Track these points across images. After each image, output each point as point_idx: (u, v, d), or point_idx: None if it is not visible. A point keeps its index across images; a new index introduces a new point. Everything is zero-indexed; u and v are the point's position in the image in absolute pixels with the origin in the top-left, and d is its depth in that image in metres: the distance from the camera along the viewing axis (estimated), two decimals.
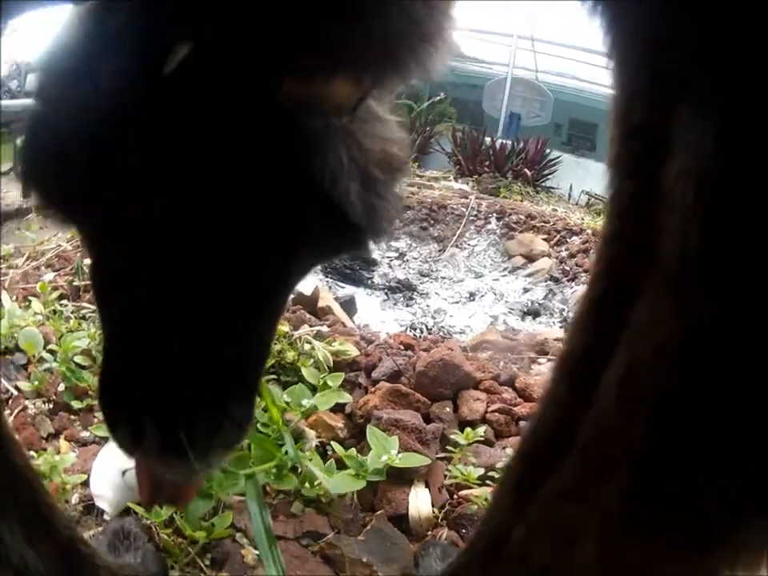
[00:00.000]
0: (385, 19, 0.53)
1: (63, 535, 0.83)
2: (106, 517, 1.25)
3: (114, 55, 0.55)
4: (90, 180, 0.59)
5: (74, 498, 1.27)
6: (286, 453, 1.26)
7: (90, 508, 1.26)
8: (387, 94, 0.69)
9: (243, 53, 0.52)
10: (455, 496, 1.37)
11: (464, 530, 1.28)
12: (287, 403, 1.47)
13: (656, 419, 0.49)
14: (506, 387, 1.79)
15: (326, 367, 1.66)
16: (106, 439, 1.39)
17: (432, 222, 4.94)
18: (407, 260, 4.34)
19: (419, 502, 1.31)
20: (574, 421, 0.60)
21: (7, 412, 1.50)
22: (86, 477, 1.30)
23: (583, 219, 5.90)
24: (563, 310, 3.42)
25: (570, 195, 9.26)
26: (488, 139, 9.01)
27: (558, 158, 9.40)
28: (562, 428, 0.63)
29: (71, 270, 2.32)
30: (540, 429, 0.69)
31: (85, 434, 1.48)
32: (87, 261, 2.30)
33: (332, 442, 1.42)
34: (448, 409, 1.62)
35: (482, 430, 1.50)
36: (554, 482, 0.60)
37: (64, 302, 2.05)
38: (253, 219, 0.59)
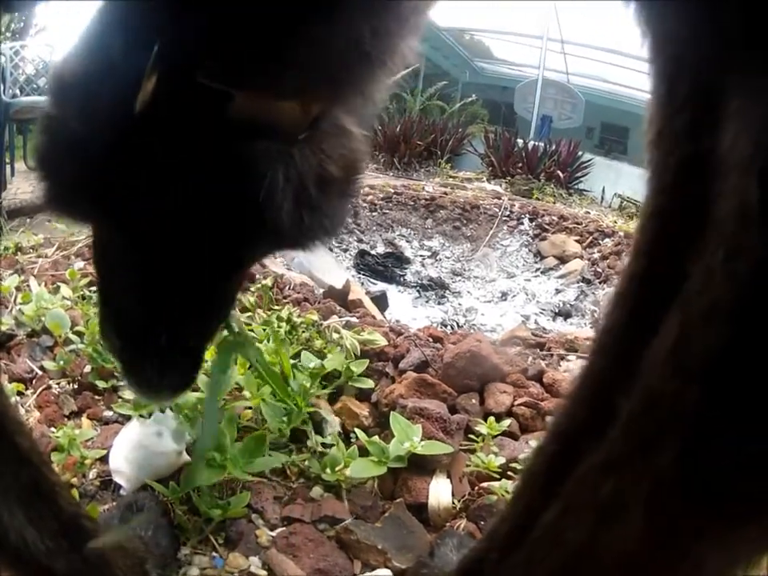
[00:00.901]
0: (330, 43, 0.57)
1: (66, 512, 0.83)
2: (122, 492, 1.25)
3: (110, 67, 0.62)
4: (94, 179, 0.68)
5: (92, 473, 1.28)
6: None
7: (107, 483, 1.26)
8: (361, 104, 0.74)
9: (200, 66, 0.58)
10: (476, 487, 1.35)
11: (482, 522, 1.25)
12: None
13: (711, 380, 0.48)
14: (533, 382, 1.76)
15: (353, 355, 1.64)
16: (128, 418, 1.39)
17: (465, 221, 4.94)
18: (440, 259, 4.33)
19: (440, 491, 1.29)
20: (613, 396, 0.58)
21: (30, 391, 1.52)
22: (105, 452, 1.30)
23: (616, 222, 5.86)
24: (594, 311, 3.38)
25: (602, 198, 9.21)
26: (520, 141, 9.01)
27: (590, 160, 9.37)
28: (600, 404, 0.61)
29: None
30: (577, 407, 0.67)
31: (108, 413, 1.48)
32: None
33: (356, 429, 1.40)
34: (474, 400, 1.59)
35: (507, 422, 1.48)
36: (594, 458, 0.58)
37: (93, 288, 2.05)
38: (207, 221, 0.70)
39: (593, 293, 3.75)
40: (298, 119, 0.65)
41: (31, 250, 2.54)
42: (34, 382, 1.56)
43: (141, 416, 1.36)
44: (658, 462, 0.51)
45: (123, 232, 0.74)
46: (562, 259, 4.37)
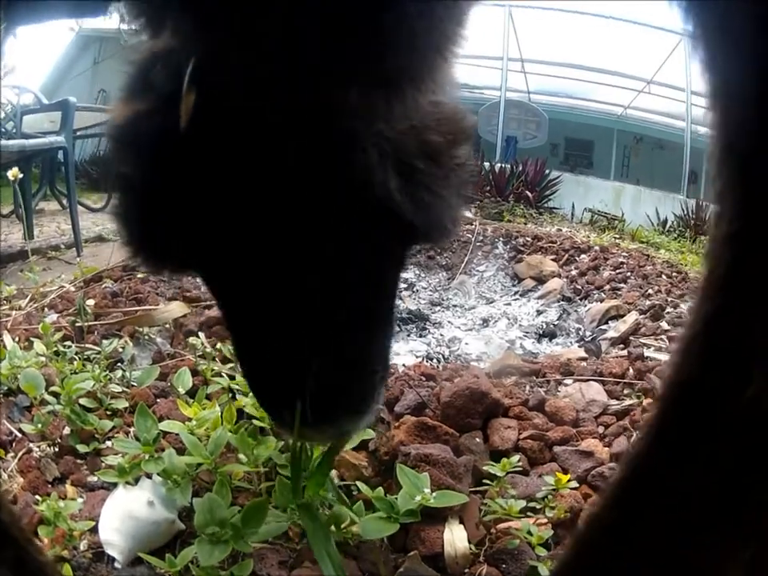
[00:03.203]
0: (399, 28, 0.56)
1: None
2: (116, 565, 1.18)
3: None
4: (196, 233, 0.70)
5: (83, 545, 1.21)
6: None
7: (99, 555, 1.21)
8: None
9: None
10: (493, 530, 1.29)
11: (504, 565, 1.20)
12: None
13: None
14: (535, 412, 1.72)
15: None
16: (114, 485, 1.34)
17: (438, 250, 4.89)
18: (417, 290, 4.28)
19: (455, 539, 1.23)
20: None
21: (11, 455, 1.45)
22: (93, 523, 1.23)
23: (589, 237, 5.88)
24: (579, 329, 3.35)
25: (572, 214, 9.29)
26: (486, 164, 9.05)
27: (557, 177, 9.45)
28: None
29: (74, 310, 2.26)
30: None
31: (92, 479, 1.41)
32: (90, 302, 2.25)
33: (357, 482, 1.33)
34: (478, 439, 1.54)
35: (516, 458, 1.41)
36: None
37: (67, 343, 1.98)
38: (316, 221, 0.69)
39: (575, 310, 3.72)
40: (376, 104, 0.63)
41: (5, 302, 2.47)
42: (14, 445, 1.49)
43: (127, 483, 1.29)
44: None
45: (239, 273, 0.75)
46: (540, 279, 4.34)
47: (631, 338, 2.79)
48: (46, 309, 2.40)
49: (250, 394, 1.51)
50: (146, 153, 0.68)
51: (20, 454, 1.44)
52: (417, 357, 2.75)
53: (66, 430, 1.53)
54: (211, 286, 0.86)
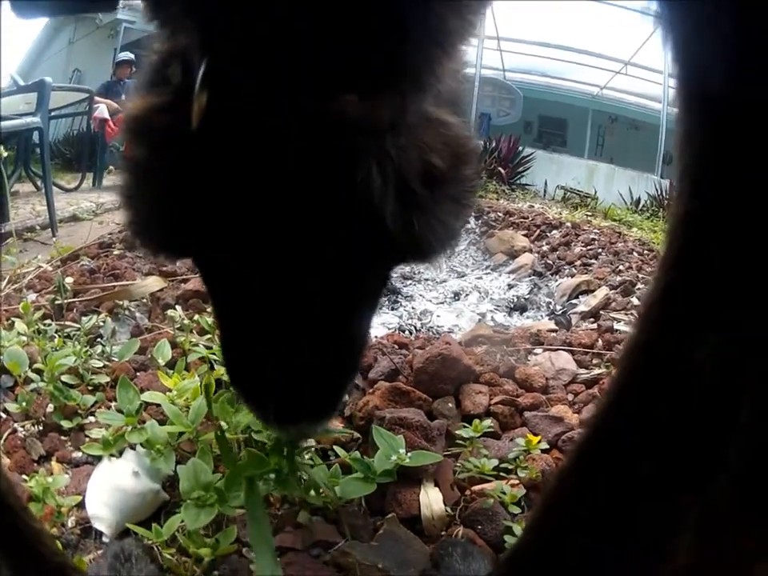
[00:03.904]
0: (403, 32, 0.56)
1: (51, 562, 0.79)
2: (104, 539, 1.20)
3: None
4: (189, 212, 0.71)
5: (71, 521, 1.22)
6: (284, 456, 1.22)
7: (87, 530, 1.21)
8: (443, 91, 0.72)
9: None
10: (467, 492, 1.33)
11: (480, 527, 1.23)
12: None
13: None
14: (506, 379, 1.76)
15: None
16: (98, 459, 1.35)
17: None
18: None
19: (431, 501, 1.27)
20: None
21: None
22: (80, 498, 1.25)
23: (561, 213, 5.92)
24: (549, 303, 3.39)
25: (545, 191, 9.32)
26: None
27: (530, 154, 9.47)
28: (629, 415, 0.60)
29: (53, 289, 2.27)
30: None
31: (77, 455, 1.43)
32: (68, 279, 2.26)
33: (334, 447, 1.36)
34: (450, 404, 1.58)
35: (487, 422, 1.46)
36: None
37: (47, 321, 1.99)
38: (309, 232, 0.69)
39: (546, 285, 3.76)
40: (380, 114, 0.63)
41: None
42: None
43: (111, 455, 1.32)
44: None
45: (231, 264, 0.76)
46: (512, 254, 4.36)
47: (601, 312, 2.83)
48: (24, 289, 2.39)
49: None
50: (158, 144, 0.70)
51: (5, 434, 1.45)
52: (389, 329, 2.78)
53: (50, 408, 1.55)
54: (205, 276, 0.88)
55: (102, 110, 7.91)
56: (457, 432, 1.43)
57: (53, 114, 6.43)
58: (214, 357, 1.61)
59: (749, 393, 0.52)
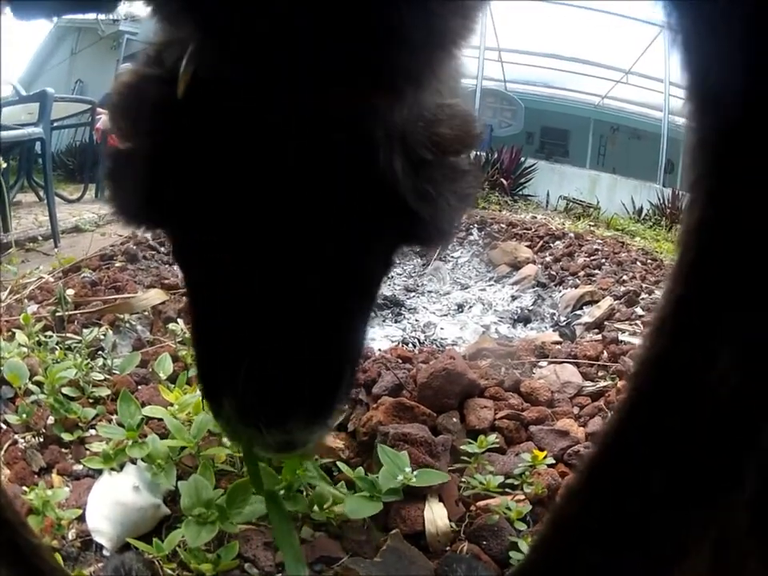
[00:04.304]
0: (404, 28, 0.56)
1: None
2: (105, 552, 1.19)
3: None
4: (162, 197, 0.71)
5: (71, 534, 1.21)
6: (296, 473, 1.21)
7: (88, 543, 1.21)
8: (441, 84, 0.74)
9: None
10: (472, 507, 1.31)
11: (485, 542, 1.22)
12: None
13: None
14: (511, 393, 1.75)
15: None
16: (99, 472, 1.34)
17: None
18: (392, 276, 4.29)
19: (435, 516, 1.25)
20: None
21: None
22: (81, 511, 1.24)
23: (564, 224, 5.92)
24: (553, 314, 3.38)
25: (547, 202, 9.33)
26: None
27: (533, 165, 9.48)
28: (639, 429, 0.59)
29: (54, 300, 2.26)
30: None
31: (77, 467, 1.42)
32: (70, 291, 2.25)
33: (337, 463, 1.35)
34: (455, 419, 1.57)
35: (493, 437, 1.44)
36: None
37: (48, 333, 1.99)
38: (320, 214, 0.68)
39: (549, 296, 3.75)
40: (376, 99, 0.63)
41: None
42: None
43: (112, 469, 1.31)
44: None
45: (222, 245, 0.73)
46: (515, 266, 4.35)
47: (606, 323, 2.82)
48: (25, 300, 2.38)
49: None
50: (146, 115, 0.70)
51: (5, 445, 1.44)
52: (392, 342, 2.77)
53: (50, 420, 1.54)
54: (183, 258, 0.84)
55: (105, 121, 7.92)
56: (461, 447, 1.42)
57: (55, 124, 6.45)
58: None
59: (765, 407, 0.51)
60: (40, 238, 4.14)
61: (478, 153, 9.07)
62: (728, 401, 0.52)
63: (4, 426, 1.51)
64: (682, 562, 0.56)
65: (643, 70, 14.31)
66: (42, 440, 1.50)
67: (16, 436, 1.49)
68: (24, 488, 1.29)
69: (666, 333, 0.57)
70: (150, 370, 1.76)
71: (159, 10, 0.65)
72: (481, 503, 1.32)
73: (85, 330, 1.97)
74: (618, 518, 0.60)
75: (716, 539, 0.55)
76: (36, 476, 1.39)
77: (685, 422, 0.55)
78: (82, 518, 1.24)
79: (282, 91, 0.59)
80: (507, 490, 1.33)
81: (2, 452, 1.41)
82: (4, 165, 2.78)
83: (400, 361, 1.94)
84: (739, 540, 0.54)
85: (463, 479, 1.37)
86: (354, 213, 0.70)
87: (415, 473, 1.23)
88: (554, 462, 1.43)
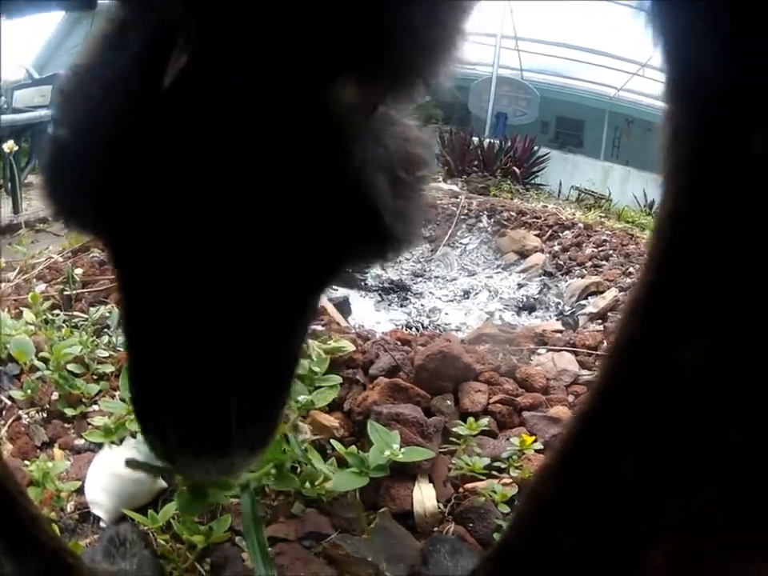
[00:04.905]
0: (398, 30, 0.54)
1: (47, 547, 0.81)
2: (102, 524, 1.22)
3: (123, 70, 0.59)
4: (106, 194, 0.62)
5: (70, 506, 1.25)
6: (284, 452, 1.23)
7: (85, 516, 1.24)
8: (403, 100, 0.69)
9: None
10: (460, 489, 1.34)
11: (471, 524, 1.25)
12: None
13: None
14: (506, 378, 1.77)
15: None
16: (100, 446, 1.37)
17: (423, 222, 4.90)
18: (399, 260, 4.30)
19: (424, 497, 1.28)
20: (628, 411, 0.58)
21: (1, 422, 1.48)
22: (80, 484, 1.27)
23: (574, 214, 5.89)
24: (559, 303, 3.39)
25: (559, 191, 9.29)
26: (475, 139, 9.03)
27: (546, 155, 9.43)
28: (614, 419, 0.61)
29: (62, 280, 2.30)
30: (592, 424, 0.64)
31: (79, 442, 1.45)
32: (78, 270, 2.29)
33: (331, 441, 1.37)
34: (449, 402, 1.59)
35: (484, 421, 1.46)
36: None
37: (56, 311, 2.02)
38: (278, 220, 0.61)
39: (555, 285, 3.76)
40: (364, 100, 0.60)
41: None
42: (3, 413, 1.53)
43: (112, 443, 1.33)
44: None
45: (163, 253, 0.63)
46: (523, 254, 4.35)
47: (609, 314, 2.83)
48: (34, 280, 2.42)
49: None
50: (117, 101, 0.61)
51: (9, 421, 1.48)
52: (396, 326, 2.80)
53: (55, 396, 1.57)
54: (117, 259, 0.72)
55: None
56: (453, 429, 1.44)
57: None
58: None
59: (735, 396, 0.52)
60: (50, 218, 4.15)
61: (492, 140, 9.06)
62: (693, 388, 0.53)
63: (8, 402, 1.55)
64: (654, 547, 0.57)
65: (659, 64, 14.15)
66: (45, 415, 1.54)
67: (20, 411, 1.52)
68: (26, 462, 1.33)
69: (639, 317, 0.58)
70: None
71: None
72: (468, 485, 1.34)
73: (91, 309, 2.01)
74: (592, 501, 0.61)
75: (689, 527, 0.55)
76: (38, 450, 1.42)
77: (657, 407, 0.56)
78: (80, 491, 1.27)
79: (282, 91, 0.57)
80: (494, 473, 1.35)
81: (6, 427, 1.45)
82: (16, 147, 2.80)
83: (399, 343, 1.95)
84: (708, 519, 0.55)
85: (453, 461, 1.40)
86: (336, 220, 0.64)
87: (403, 450, 1.24)
88: (542, 447, 1.44)
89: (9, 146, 2.74)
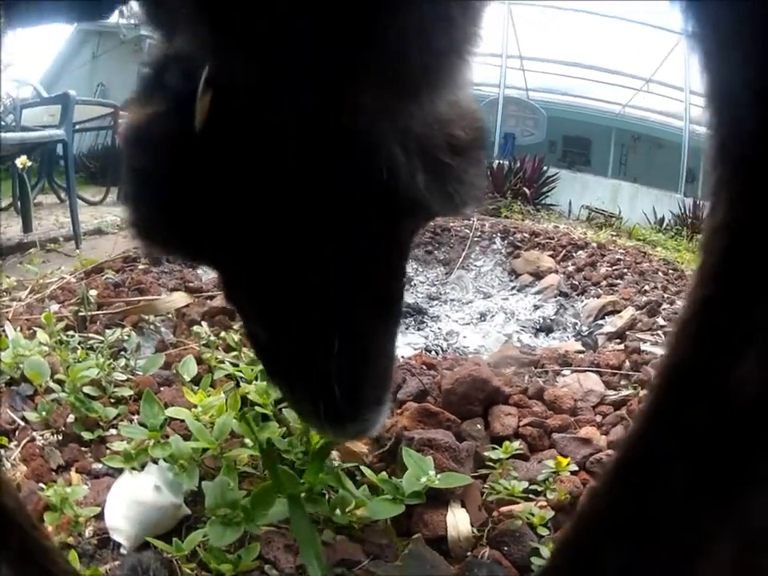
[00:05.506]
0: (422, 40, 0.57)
1: None
2: (122, 551, 1.18)
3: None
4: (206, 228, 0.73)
5: (88, 531, 1.21)
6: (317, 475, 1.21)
7: (105, 541, 1.20)
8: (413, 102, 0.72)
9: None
10: (495, 513, 1.31)
11: (506, 548, 1.21)
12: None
13: None
14: (535, 401, 1.75)
15: None
16: (119, 471, 1.34)
17: (437, 245, 4.91)
18: (414, 284, 4.29)
19: (458, 522, 1.25)
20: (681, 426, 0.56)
21: (14, 443, 1.45)
22: (99, 510, 1.23)
23: (586, 233, 5.90)
24: (576, 324, 3.36)
25: (570, 211, 9.31)
26: None
27: (555, 174, 9.46)
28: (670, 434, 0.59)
29: (76, 300, 2.27)
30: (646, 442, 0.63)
31: (97, 466, 1.41)
32: (92, 292, 2.26)
33: (361, 467, 1.34)
34: (479, 426, 1.56)
35: (516, 444, 1.44)
36: None
37: (70, 332, 1.99)
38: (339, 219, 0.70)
39: (572, 305, 3.73)
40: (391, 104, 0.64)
41: (4, 293, 2.47)
42: (17, 433, 1.49)
43: (133, 468, 1.30)
44: None
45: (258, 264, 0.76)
46: (537, 275, 4.34)
47: (627, 332, 2.80)
48: (47, 300, 2.40)
49: (254, 381, 1.53)
50: (160, 151, 0.72)
51: (23, 442, 1.44)
52: (415, 350, 2.77)
53: (70, 418, 1.54)
54: (224, 278, 0.88)
55: None
56: (485, 453, 1.41)
57: (77, 127, 6.49)
58: (240, 374, 1.60)
59: None
60: (61, 239, 4.15)
61: (501, 161, 9.09)
62: (751, 403, 0.51)
63: (22, 423, 1.51)
64: (705, 560, 0.56)
65: (664, 79, 14.29)
66: (60, 438, 1.50)
67: (34, 433, 1.49)
68: (41, 485, 1.29)
69: (689, 336, 0.57)
70: (173, 371, 1.75)
71: (154, 15, 0.66)
72: (503, 509, 1.31)
73: (107, 331, 1.97)
74: (642, 517, 0.60)
75: (738, 539, 0.54)
76: (54, 473, 1.38)
77: (707, 424, 0.55)
78: (99, 516, 1.23)
79: (283, 92, 0.60)
80: (530, 496, 1.32)
81: (19, 449, 1.41)
82: (28, 163, 2.79)
83: (425, 367, 1.94)
84: (763, 544, 0.54)
85: (486, 485, 1.37)
86: (359, 213, 0.72)
87: (438, 476, 1.23)
88: (576, 469, 1.42)
89: (22, 161, 2.73)
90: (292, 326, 0.80)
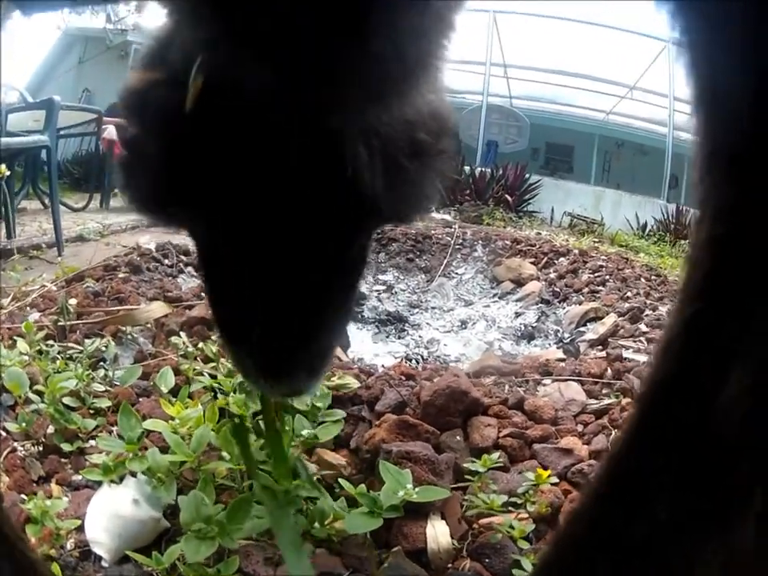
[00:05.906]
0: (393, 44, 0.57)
1: None
2: (103, 563, 1.18)
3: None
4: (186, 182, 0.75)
5: (69, 544, 1.21)
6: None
7: (86, 554, 1.20)
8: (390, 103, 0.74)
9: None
10: (475, 525, 1.30)
11: (487, 560, 1.21)
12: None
13: None
14: (515, 411, 1.74)
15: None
16: (98, 483, 1.33)
17: (418, 252, 4.93)
18: (395, 292, 4.29)
19: (437, 534, 1.24)
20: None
21: None
22: (79, 522, 1.23)
23: (568, 240, 5.92)
24: (557, 331, 3.37)
25: (552, 218, 9.34)
26: (467, 168, 9.08)
27: (537, 182, 9.49)
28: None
29: (56, 309, 2.25)
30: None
31: (76, 478, 1.41)
32: (72, 301, 2.24)
33: (339, 480, 1.34)
34: (458, 437, 1.56)
35: (496, 455, 1.43)
36: None
37: (50, 342, 1.97)
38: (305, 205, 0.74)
39: (553, 313, 3.74)
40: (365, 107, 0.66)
41: None
42: None
43: (112, 481, 1.30)
44: None
45: (224, 234, 0.80)
46: (519, 282, 4.35)
47: (610, 339, 2.80)
48: (28, 308, 2.38)
49: (232, 392, 1.53)
50: (156, 118, 0.74)
51: (5, 453, 1.43)
52: (395, 358, 2.77)
53: (50, 429, 1.53)
54: (198, 240, 0.92)
55: (111, 131, 7.91)
56: (465, 466, 1.41)
57: (61, 132, 6.45)
58: (219, 385, 1.59)
59: None
60: (44, 245, 4.12)
61: (483, 169, 9.11)
62: (736, 420, 0.51)
63: (3, 434, 1.50)
64: None
65: (648, 86, 14.39)
66: (41, 449, 1.49)
67: (15, 444, 1.48)
68: (23, 496, 1.29)
69: (675, 353, 0.57)
70: (152, 382, 1.74)
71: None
72: (483, 521, 1.30)
73: (87, 341, 1.96)
74: (624, 540, 0.59)
75: (724, 561, 0.54)
76: (35, 485, 1.38)
77: (692, 441, 0.54)
78: (80, 529, 1.23)
79: (283, 90, 0.60)
80: (510, 508, 1.32)
81: (1, 459, 1.40)
82: (8, 172, 2.76)
83: (403, 378, 1.92)
84: (747, 560, 0.54)
85: (466, 497, 1.36)
86: (337, 203, 0.76)
87: (417, 489, 1.22)
88: (557, 480, 1.42)
89: (0, 170, 2.69)
90: (251, 291, 0.83)
